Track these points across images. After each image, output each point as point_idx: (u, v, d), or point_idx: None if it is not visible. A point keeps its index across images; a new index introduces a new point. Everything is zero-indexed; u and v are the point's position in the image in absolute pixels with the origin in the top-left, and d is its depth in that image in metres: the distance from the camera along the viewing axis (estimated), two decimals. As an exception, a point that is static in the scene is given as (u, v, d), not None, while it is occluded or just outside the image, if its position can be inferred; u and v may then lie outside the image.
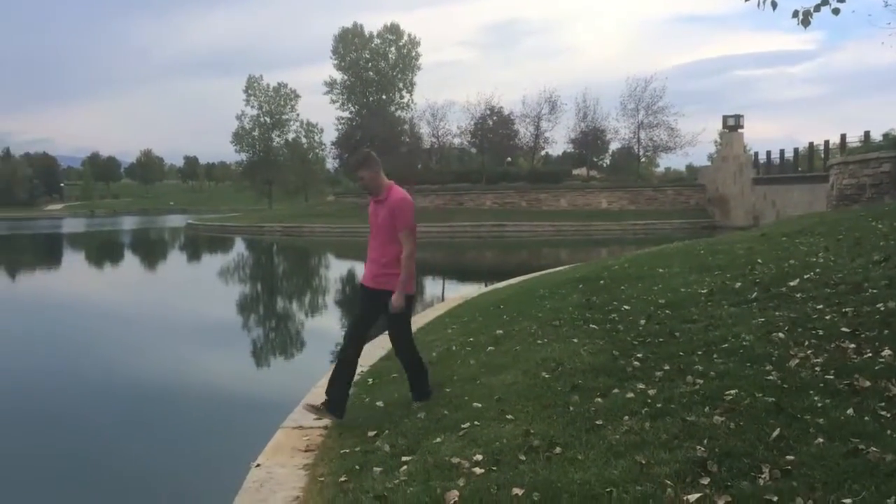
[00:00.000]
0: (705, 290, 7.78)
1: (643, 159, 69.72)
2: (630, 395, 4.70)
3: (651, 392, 4.67)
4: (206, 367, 11.93)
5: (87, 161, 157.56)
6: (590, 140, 65.65)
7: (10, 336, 15.13)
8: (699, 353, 5.42)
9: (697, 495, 3.17)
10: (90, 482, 6.88)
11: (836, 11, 5.70)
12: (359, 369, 7.63)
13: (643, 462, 3.60)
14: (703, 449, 3.62)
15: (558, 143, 74.68)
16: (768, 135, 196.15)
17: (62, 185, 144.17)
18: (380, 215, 5.39)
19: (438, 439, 4.63)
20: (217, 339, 14.90)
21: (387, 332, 5.77)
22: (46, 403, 9.57)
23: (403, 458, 4.41)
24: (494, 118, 65.27)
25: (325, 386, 5.65)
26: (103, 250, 45.66)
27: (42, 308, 19.88)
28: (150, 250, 46.46)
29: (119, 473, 7.08)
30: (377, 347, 9.08)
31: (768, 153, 50.30)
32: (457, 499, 3.62)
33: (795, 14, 5.69)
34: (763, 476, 3.29)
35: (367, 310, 5.61)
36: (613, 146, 72.19)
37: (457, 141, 69.86)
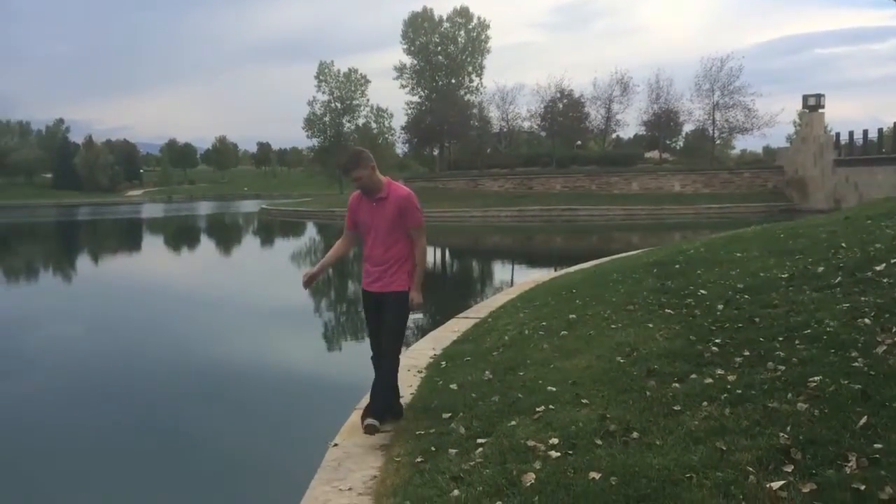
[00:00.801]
0: (786, 275, 7.57)
1: (718, 141, 68.07)
2: (708, 380, 4.62)
3: (730, 378, 4.59)
4: (284, 348, 12.21)
5: (165, 147, 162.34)
6: (662, 122, 64.34)
7: (101, 318, 15.72)
8: (780, 339, 5.28)
9: (781, 482, 3.12)
10: (174, 458, 7.12)
11: (929, -16, 5.44)
12: (432, 352, 7.76)
13: (723, 448, 3.55)
14: (786, 436, 3.55)
15: (630, 125, 73.55)
16: (850, 115, 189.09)
17: (142, 171, 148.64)
18: (383, 214, 5.05)
19: (513, 422, 4.64)
20: (293, 321, 15.19)
21: (382, 333, 5.21)
22: (135, 381, 9.92)
23: (478, 441, 4.45)
24: (564, 101, 64.67)
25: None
26: (183, 235, 46.98)
27: (128, 290, 20.58)
28: (228, 235, 47.58)
29: (199, 451, 7.30)
30: (448, 331, 9.15)
31: (850, 134, 48.68)
32: (533, 481, 3.63)
33: (885, -12, 5.44)
34: (849, 464, 3.21)
35: (379, 317, 5.24)
36: (687, 128, 70.65)
37: (526, 125, 69.55)
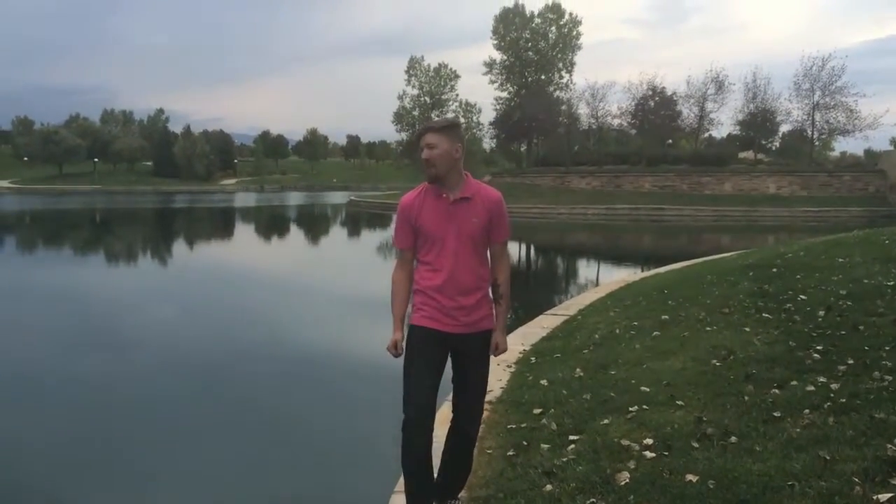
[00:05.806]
0: (892, 283, 7.29)
1: (817, 143, 65.63)
2: (810, 388, 4.51)
3: (833, 386, 4.47)
4: (373, 338, 12.31)
5: (258, 139, 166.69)
6: (758, 122, 62.52)
7: (198, 301, 16.25)
8: (887, 348, 5.11)
9: (889, 495, 3.03)
10: (264, 438, 7.33)
11: None
12: (521, 348, 7.76)
13: (827, 458, 3.47)
14: (893, 448, 3.44)
15: (724, 124, 72.00)
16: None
17: (236, 160, 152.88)
18: (469, 220, 3.58)
19: (606, 421, 4.63)
20: (385, 314, 15.32)
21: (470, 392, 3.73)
22: (226, 363, 10.23)
23: (570, 437, 4.46)
24: (656, 99, 63.58)
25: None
26: (275, 224, 48.17)
27: (226, 276, 21.21)
28: (319, 226, 48.51)
29: (297, 438, 7.49)
30: (537, 327, 9.14)
31: (962, 137, 46.19)
32: (628, 480, 3.63)
33: None
34: (963, 481, 3.10)
35: (439, 368, 3.63)
36: (784, 128, 68.51)
37: (616, 122, 68.64)
